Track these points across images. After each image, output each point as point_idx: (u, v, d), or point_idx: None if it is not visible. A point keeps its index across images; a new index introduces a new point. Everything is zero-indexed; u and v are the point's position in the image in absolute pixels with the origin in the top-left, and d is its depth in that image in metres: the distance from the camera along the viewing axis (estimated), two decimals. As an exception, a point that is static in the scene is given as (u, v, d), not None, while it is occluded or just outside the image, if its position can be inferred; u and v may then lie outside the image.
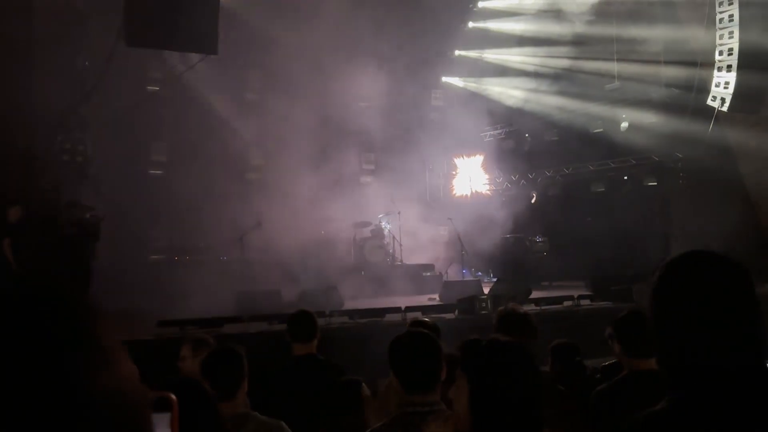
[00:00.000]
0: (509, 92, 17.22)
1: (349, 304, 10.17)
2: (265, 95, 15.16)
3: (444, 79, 18.97)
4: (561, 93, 15.79)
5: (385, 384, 3.65)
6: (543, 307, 9.73)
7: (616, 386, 3.14)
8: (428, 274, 14.22)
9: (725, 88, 12.14)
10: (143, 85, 13.25)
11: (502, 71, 17.47)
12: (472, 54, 18.22)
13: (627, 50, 13.98)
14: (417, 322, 4.31)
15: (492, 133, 18.18)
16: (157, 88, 13.46)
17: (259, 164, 15.46)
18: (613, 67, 14.39)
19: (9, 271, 9.14)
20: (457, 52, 18.64)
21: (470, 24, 18.14)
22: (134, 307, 10.88)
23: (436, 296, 11.61)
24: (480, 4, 17.76)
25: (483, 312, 8.89)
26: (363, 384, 3.55)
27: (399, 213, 15.23)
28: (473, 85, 18.26)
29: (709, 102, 12.49)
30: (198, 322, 8.30)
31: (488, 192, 17.94)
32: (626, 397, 2.99)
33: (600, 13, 14.34)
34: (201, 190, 14.02)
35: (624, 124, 14.68)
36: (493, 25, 17.49)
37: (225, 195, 13.79)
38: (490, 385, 1.85)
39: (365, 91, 15.31)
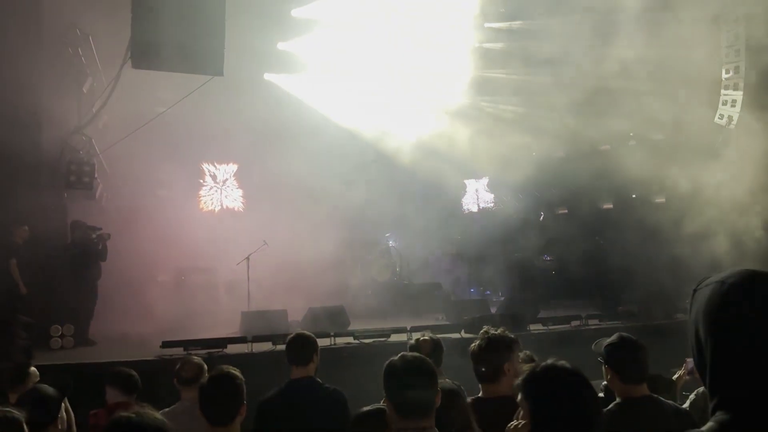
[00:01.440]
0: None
1: (355, 324, 10.15)
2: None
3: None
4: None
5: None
6: (550, 327, 9.68)
7: (612, 416, 3.04)
8: (435, 293, 14.17)
9: (732, 106, 12.14)
10: (150, 106, 13.36)
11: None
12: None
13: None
14: (414, 345, 4.28)
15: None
16: (164, 109, 13.55)
17: (266, 182, 15.50)
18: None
19: (16, 292, 9.18)
20: None
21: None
22: (140, 328, 10.93)
23: (443, 315, 11.56)
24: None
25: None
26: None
27: (404, 232, 15.24)
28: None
29: (717, 120, 12.48)
30: (202, 342, 8.31)
31: (492, 209, 17.89)
32: (624, 425, 2.95)
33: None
34: (206, 210, 14.12)
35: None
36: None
37: (232, 214, 13.85)
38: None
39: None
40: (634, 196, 15.17)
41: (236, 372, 3.22)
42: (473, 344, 3.32)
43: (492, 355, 3.24)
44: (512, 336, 3.37)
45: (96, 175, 11.21)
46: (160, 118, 12.07)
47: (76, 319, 9.90)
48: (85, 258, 10.36)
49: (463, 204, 17.99)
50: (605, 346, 3.27)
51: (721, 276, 1.36)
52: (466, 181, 18.09)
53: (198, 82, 11.34)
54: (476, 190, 18.16)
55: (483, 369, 3.25)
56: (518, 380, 2.20)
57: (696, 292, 1.40)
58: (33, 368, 5.01)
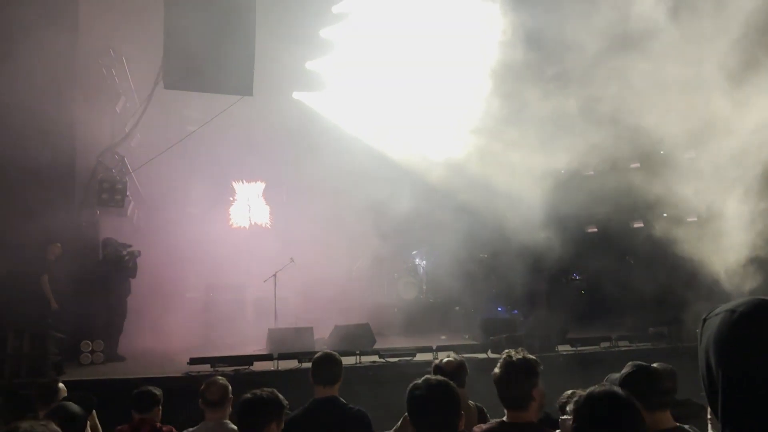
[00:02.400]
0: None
1: (381, 343, 10.11)
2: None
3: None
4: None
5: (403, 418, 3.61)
6: (579, 348, 9.53)
7: None
8: (462, 311, 14.06)
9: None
10: (181, 125, 13.60)
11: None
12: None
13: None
14: (438, 366, 4.24)
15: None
16: (195, 128, 13.79)
17: (293, 200, 15.62)
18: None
19: (47, 307, 9.36)
20: None
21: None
22: (168, 344, 11.04)
23: (469, 334, 11.47)
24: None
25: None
26: None
27: (432, 249, 15.20)
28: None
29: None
30: (228, 359, 8.36)
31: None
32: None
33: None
34: (234, 227, 14.25)
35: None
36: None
37: (260, 231, 13.95)
38: None
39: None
40: (665, 215, 14.92)
41: (275, 392, 3.30)
42: (496, 369, 3.20)
43: (519, 381, 3.11)
44: (535, 358, 3.25)
45: (128, 193, 11.41)
46: (190, 137, 12.28)
47: (106, 335, 10.04)
48: (115, 274, 10.53)
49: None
50: (622, 379, 3.14)
51: (731, 305, 1.33)
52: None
53: (228, 100, 11.55)
54: None
55: (510, 395, 3.13)
56: (572, 405, 2.28)
57: (706, 321, 1.37)
58: (61, 384, 5.09)
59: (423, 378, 2.63)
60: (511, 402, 3.07)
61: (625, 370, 3.18)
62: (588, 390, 2.23)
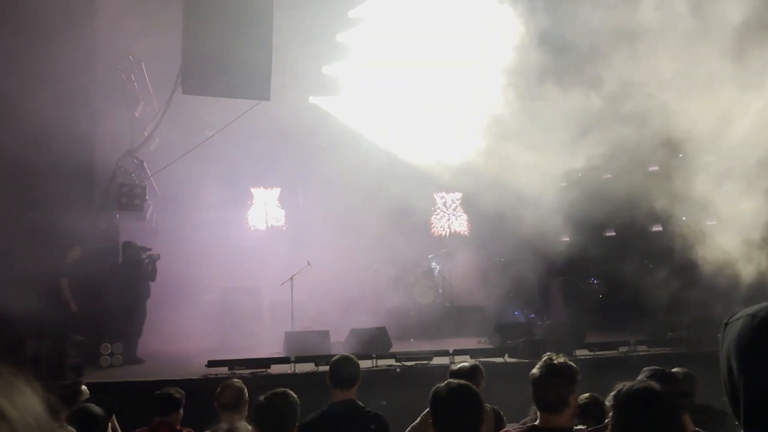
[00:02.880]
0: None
1: (397, 346, 10.11)
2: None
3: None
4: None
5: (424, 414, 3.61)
6: (597, 353, 9.45)
7: None
8: (479, 315, 14.02)
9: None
10: (199, 129, 13.71)
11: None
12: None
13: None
14: (455, 370, 4.23)
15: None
16: (213, 132, 13.90)
17: (310, 204, 15.68)
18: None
19: (67, 310, 9.46)
20: None
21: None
22: (186, 347, 11.13)
23: (486, 339, 11.43)
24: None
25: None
26: None
27: (449, 254, 15.18)
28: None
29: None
30: (246, 362, 8.40)
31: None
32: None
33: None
34: (253, 230, 14.33)
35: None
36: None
37: (275, 234, 14.02)
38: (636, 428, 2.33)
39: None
40: (684, 218, 14.77)
41: (290, 392, 3.29)
42: (535, 370, 3.16)
43: (558, 385, 3.09)
44: (575, 366, 3.21)
45: (147, 197, 11.52)
46: (209, 141, 12.37)
47: (125, 338, 10.13)
48: (135, 278, 10.62)
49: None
50: (618, 396, 3.07)
51: (752, 309, 1.31)
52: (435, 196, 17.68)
53: (245, 105, 11.64)
54: (447, 208, 17.80)
55: (547, 397, 3.10)
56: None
57: (727, 325, 1.36)
58: (84, 387, 5.14)
59: (446, 381, 2.63)
60: (546, 405, 3.05)
61: (642, 375, 3.17)
62: (626, 385, 2.46)
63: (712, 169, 13.16)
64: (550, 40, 13.69)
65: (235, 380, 4.53)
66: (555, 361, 3.05)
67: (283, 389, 3.32)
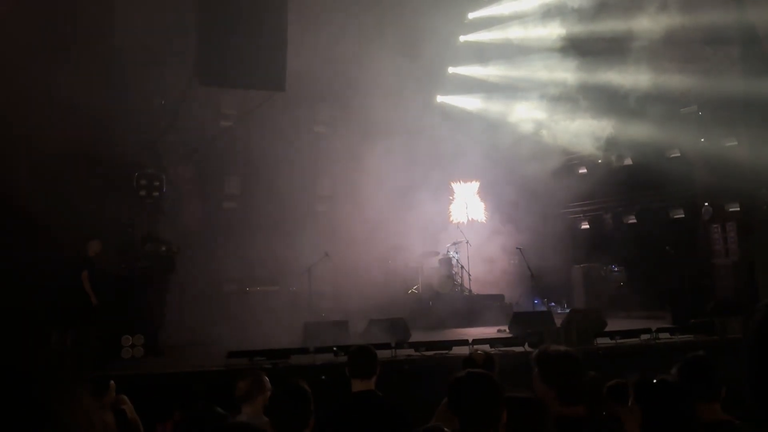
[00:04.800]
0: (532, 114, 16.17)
1: (416, 336, 10.10)
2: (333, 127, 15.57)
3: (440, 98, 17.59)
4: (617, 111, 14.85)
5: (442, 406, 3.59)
6: (618, 341, 9.36)
7: None
8: (498, 304, 13.97)
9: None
10: (217, 121, 13.76)
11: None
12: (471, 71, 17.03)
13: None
14: (468, 359, 4.20)
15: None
16: (230, 124, 13.95)
17: (328, 195, 15.70)
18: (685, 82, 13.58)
19: (88, 303, 9.56)
20: (451, 70, 17.28)
21: (462, 38, 17.05)
22: (206, 338, 11.21)
23: (506, 328, 11.38)
24: (471, 15, 16.65)
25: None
26: None
27: (468, 242, 15.12)
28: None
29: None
30: (266, 353, 8.43)
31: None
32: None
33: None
34: (271, 222, 14.35)
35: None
36: (492, 35, 16.41)
37: (294, 226, 14.04)
38: (661, 419, 2.53)
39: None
40: (706, 204, 14.57)
41: (304, 385, 3.26)
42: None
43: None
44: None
45: (165, 189, 11.59)
46: (226, 133, 12.41)
47: (146, 330, 10.21)
48: (154, 270, 10.70)
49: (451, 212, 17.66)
50: (638, 386, 3.00)
51: None
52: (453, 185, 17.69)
53: (260, 97, 11.66)
54: (465, 197, 17.78)
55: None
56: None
57: (753, 314, 1.35)
58: (112, 382, 5.15)
59: (466, 371, 2.62)
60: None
61: (682, 361, 3.19)
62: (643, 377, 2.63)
63: (735, 153, 12.98)
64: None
65: (251, 371, 4.50)
66: (558, 348, 3.06)
67: (295, 382, 3.29)
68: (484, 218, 17.12)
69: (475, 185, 17.52)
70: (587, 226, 17.09)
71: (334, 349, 8.44)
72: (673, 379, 2.71)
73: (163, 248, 10.98)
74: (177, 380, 7.67)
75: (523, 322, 10.74)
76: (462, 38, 16.97)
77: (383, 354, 7.96)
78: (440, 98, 17.51)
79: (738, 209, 13.76)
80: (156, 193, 11.10)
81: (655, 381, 2.64)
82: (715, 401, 3.06)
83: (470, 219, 17.29)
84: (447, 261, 14.98)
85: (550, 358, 2.97)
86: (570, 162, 17.15)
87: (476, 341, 8.83)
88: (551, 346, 3.10)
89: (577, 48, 14.41)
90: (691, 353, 3.25)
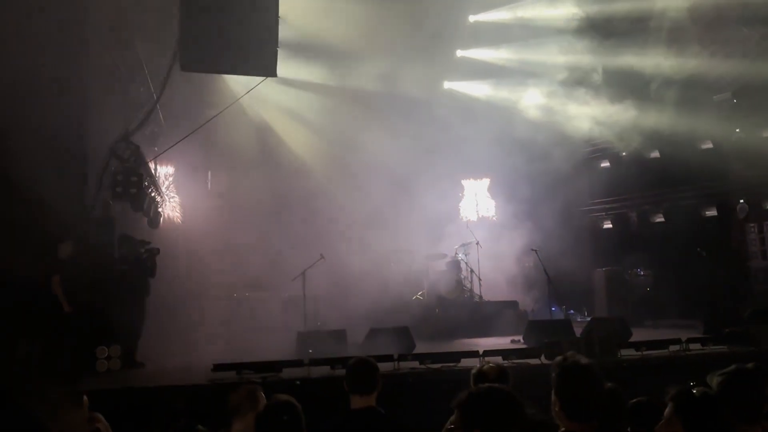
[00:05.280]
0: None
1: (421, 347, 10.11)
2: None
3: (447, 85, 17.63)
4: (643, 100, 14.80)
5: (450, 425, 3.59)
6: (645, 352, 9.36)
7: None
8: (511, 312, 13.97)
9: None
10: (201, 110, 13.76)
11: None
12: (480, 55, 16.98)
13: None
14: (477, 374, 4.20)
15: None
16: (216, 113, 13.95)
17: (323, 191, 15.69)
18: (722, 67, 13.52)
19: (60, 310, 9.53)
20: (459, 53, 17.21)
21: (472, 18, 16.98)
22: (189, 349, 11.22)
23: (520, 338, 11.38)
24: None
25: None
26: None
27: (478, 243, 15.13)
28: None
29: None
30: (255, 366, 8.45)
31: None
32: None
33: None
34: (261, 221, 14.37)
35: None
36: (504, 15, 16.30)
37: (287, 225, 14.07)
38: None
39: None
40: (741, 201, 14.56)
41: (293, 401, 3.27)
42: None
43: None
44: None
45: (145, 185, 11.58)
46: (211, 124, 12.40)
47: (124, 340, 10.22)
48: (133, 274, 10.71)
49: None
50: (677, 396, 3.04)
51: None
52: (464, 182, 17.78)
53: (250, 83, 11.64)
54: (475, 194, 17.87)
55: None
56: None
57: None
58: (85, 397, 5.14)
59: (486, 386, 2.60)
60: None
61: (728, 370, 3.12)
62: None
63: None
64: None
65: (246, 385, 4.53)
66: (578, 361, 3.01)
67: (285, 398, 3.31)
68: (496, 216, 17.14)
69: (485, 182, 17.56)
70: (610, 226, 17.09)
71: (331, 361, 8.45)
72: (715, 393, 2.73)
73: (143, 250, 11.00)
74: (157, 396, 7.69)
75: (539, 331, 10.75)
76: (472, 18, 16.94)
77: (385, 367, 7.96)
78: (447, 84, 17.52)
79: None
80: (134, 189, 11.09)
81: (696, 392, 2.70)
82: (757, 422, 3.02)
83: (480, 216, 17.31)
84: (455, 264, 14.99)
85: (563, 368, 2.96)
86: (591, 155, 17.16)
87: (487, 353, 8.83)
88: (574, 355, 3.07)
89: (596, 29, 14.40)
90: (737, 365, 3.18)
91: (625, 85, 14.39)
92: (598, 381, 2.94)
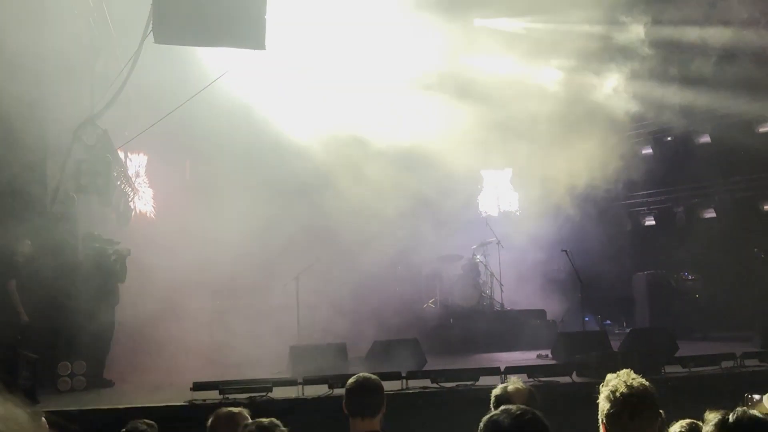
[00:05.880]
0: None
1: (433, 363, 10.13)
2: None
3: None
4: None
5: None
6: (693, 369, 9.36)
7: None
8: (538, 322, 13.98)
9: None
10: (178, 90, 13.73)
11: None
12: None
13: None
14: (502, 395, 4.18)
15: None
16: (195, 92, 13.91)
17: (317, 181, 15.63)
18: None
19: (16, 321, 9.54)
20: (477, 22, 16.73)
21: None
22: (166, 365, 11.24)
23: (548, 352, 11.39)
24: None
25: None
26: None
27: (499, 243, 15.12)
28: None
29: None
30: (241, 384, 8.47)
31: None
32: None
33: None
34: (247, 218, 14.33)
35: None
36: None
37: (276, 223, 14.03)
38: None
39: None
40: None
41: (278, 424, 3.28)
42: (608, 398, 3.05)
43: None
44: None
45: (114, 175, 11.58)
46: (190, 105, 12.37)
47: (90, 355, 10.24)
48: (99, 279, 10.72)
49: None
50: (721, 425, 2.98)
51: None
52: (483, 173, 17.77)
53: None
54: (496, 186, 17.86)
55: None
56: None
57: None
58: (44, 419, 5.15)
59: (502, 408, 2.55)
60: None
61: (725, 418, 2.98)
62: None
63: None
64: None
65: (230, 408, 4.54)
66: (631, 384, 2.96)
67: (269, 421, 3.31)
68: (519, 211, 17.13)
69: (507, 172, 17.56)
70: (653, 222, 17.05)
71: (329, 379, 8.46)
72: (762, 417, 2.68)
73: (111, 251, 11.01)
74: (128, 418, 7.70)
75: (570, 344, 10.76)
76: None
77: (391, 386, 7.98)
78: (463, 59, 17.44)
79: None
80: (100, 180, 11.10)
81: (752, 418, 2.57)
82: None
83: (502, 211, 17.32)
84: (473, 267, 14.99)
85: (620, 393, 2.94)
86: (632, 139, 17.08)
87: (510, 369, 8.84)
88: (629, 374, 3.02)
89: None
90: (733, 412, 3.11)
91: (672, 59, 14.33)
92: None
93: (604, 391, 2.97)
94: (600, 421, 2.96)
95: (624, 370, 3.02)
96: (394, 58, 14.62)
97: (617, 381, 2.98)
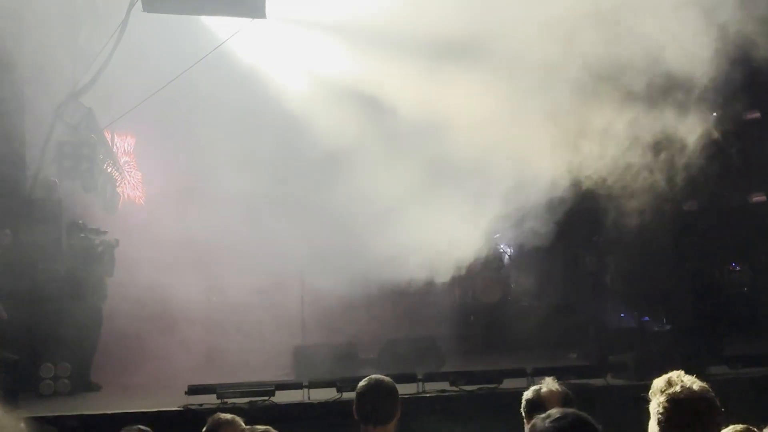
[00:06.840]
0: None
1: (452, 364, 10.12)
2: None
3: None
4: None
5: None
6: (740, 370, 9.32)
7: None
8: (567, 318, 13.92)
9: None
10: (170, 65, 13.70)
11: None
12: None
13: None
14: (534, 399, 4.14)
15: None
16: (188, 66, 13.88)
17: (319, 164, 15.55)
18: None
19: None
20: None
21: None
22: (159, 367, 11.27)
23: (579, 353, 11.37)
24: None
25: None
26: None
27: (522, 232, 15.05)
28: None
29: None
30: (241, 387, 8.49)
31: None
32: None
33: None
34: (245, 205, 14.33)
35: None
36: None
37: (277, 212, 14.02)
38: None
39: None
40: None
41: None
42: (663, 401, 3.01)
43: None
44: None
45: (100, 158, 11.58)
46: (182, 81, 12.34)
47: (75, 356, 10.26)
48: (85, 272, 10.74)
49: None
50: None
51: None
52: None
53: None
54: None
55: None
56: None
57: None
58: (22, 425, 5.16)
59: (548, 413, 2.50)
60: None
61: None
62: None
63: None
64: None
65: (226, 414, 4.54)
66: (691, 388, 2.90)
67: (264, 429, 3.30)
68: None
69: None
70: (695, 206, 16.95)
71: (337, 382, 8.46)
72: None
73: (97, 241, 11.02)
74: (117, 424, 7.71)
75: (603, 343, 10.72)
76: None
77: (406, 389, 7.97)
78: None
79: None
80: (85, 164, 11.10)
81: None
82: None
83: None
84: (495, 257, 14.92)
85: (672, 398, 2.88)
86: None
87: (537, 371, 8.80)
88: (681, 376, 2.95)
89: None
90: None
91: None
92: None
93: (661, 399, 2.91)
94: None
95: (675, 372, 2.95)
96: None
97: (676, 386, 2.90)
